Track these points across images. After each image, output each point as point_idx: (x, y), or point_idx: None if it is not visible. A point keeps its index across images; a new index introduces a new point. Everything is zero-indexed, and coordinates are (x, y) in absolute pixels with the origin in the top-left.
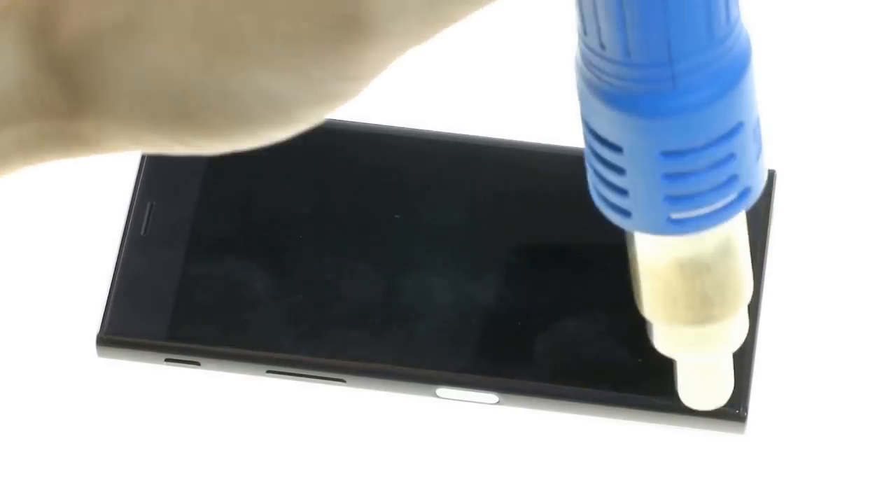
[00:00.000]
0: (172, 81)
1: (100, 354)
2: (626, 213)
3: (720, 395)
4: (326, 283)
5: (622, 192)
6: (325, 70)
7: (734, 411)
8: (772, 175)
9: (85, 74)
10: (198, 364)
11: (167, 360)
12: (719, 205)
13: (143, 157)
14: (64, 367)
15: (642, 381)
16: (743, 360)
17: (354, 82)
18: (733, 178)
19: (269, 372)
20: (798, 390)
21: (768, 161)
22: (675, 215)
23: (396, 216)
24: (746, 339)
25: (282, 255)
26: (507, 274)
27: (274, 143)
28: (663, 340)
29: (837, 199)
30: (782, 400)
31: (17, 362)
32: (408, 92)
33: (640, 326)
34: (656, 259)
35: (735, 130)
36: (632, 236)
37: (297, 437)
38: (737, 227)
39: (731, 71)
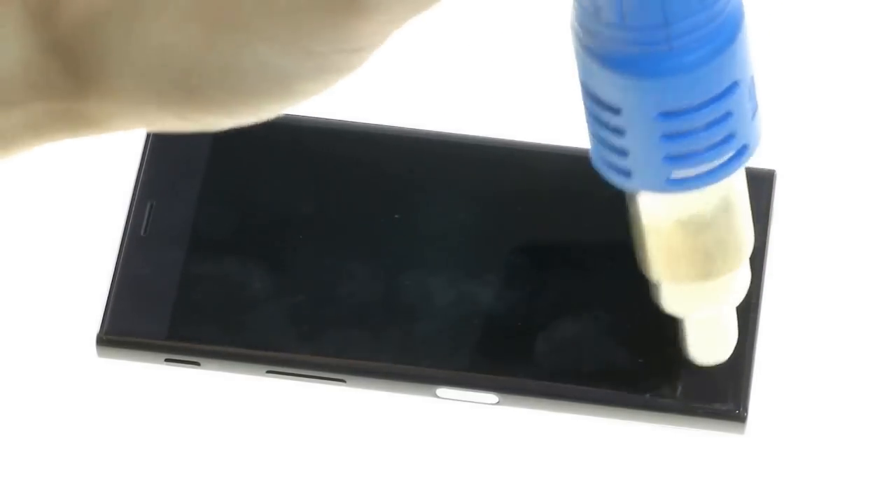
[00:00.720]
0: (175, 58)
1: (100, 354)
2: (626, 174)
3: (725, 348)
4: (326, 282)
5: (622, 153)
6: (324, 42)
7: (734, 411)
8: (771, 175)
9: (88, 55)
10: (198, 364)
11: (167, 360)
12: (718, 162)
13: (143, 157)
14: (64, 367)
15: (642, 382)
16: (743, 360)
17: (354, 54)
18: (730, 136)
19: (269, 372)
20: (798, 391)
21: (767, 161)
22: (675, 174)
23: (396, 216)
24: (747, 339)
25: (282, 255)
26: (507, 274)
27: (277, 115)
28: (668, 298)
29: (837, 198)
30: (782, 400)
31: (17, 362)
32: (408, 92)
33: (640, 326)
34: (658, 219)
35: (731, 89)
36: (633, 197)
37: (297, 437)
38: (736, 184)
39: (724, 31)
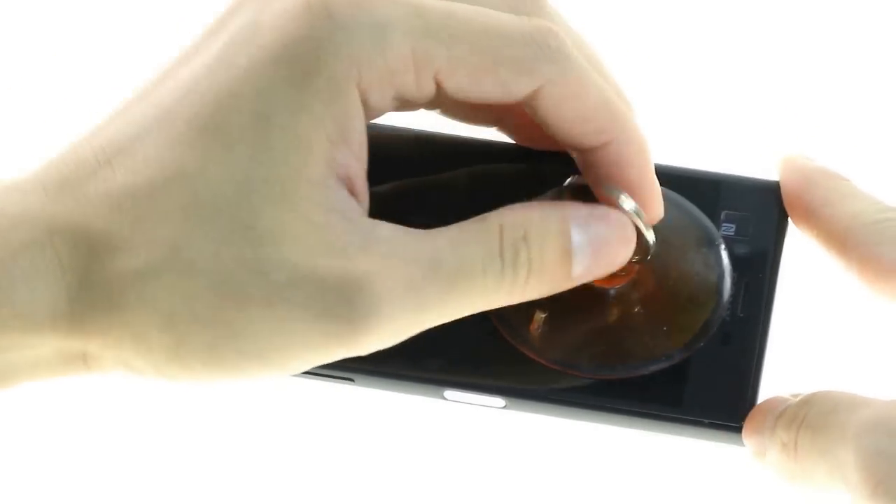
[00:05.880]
0: (182, 325)
1: None
2: None
3: None
4: None
5: None
6: (314, 363)
7: (739, 423)
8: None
9: (115, 314)
10: None
11: None
12: None
13: None
14: None
15: (646, 390)
16: (750, 371)
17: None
18: None
19: None
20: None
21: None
22: None
23: (408, 216)
24: (755, 351)
25: None
26: None
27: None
28: None
29: None
30: None
31: None
32: None
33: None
34: None
35: None
36: None
37: (305, 435)
38: None
39: None
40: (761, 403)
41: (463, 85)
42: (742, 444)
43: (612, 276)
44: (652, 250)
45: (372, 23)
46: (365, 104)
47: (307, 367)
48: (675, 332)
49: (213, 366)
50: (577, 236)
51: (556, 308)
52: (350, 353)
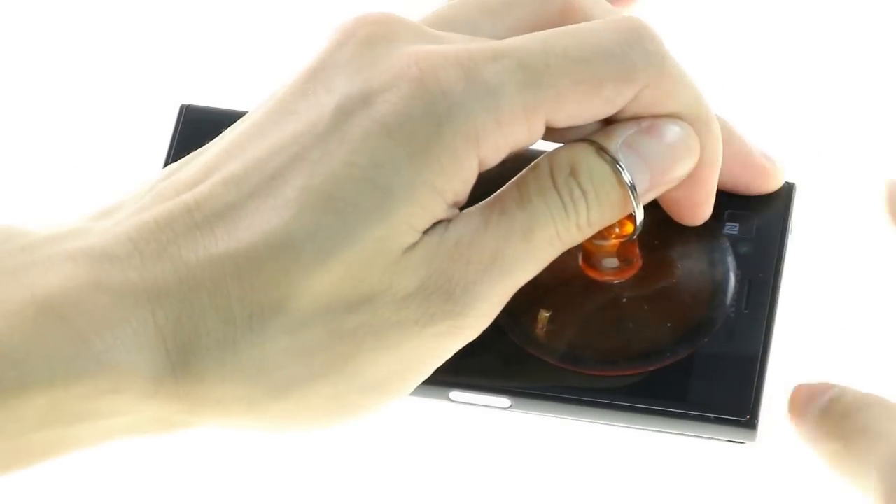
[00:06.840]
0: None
1: None
2: None
3: None
4: None
5: None
6: (429, 369)
7: (744, 419)
8: (791, 187)
9: (210, 389)
10: None
11: None
12: None
13: (171, 149)
14: None
15: (652, 388)
16: (755, 368)
17: None
18: None
19: None
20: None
21: (787, 174)
22: None
23: None
24: (759, 347)
25: None
26: None
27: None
28: None
29: (853, 209)
30: None
31: None
32: None
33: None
34: None
35: None
36: None
37: (310, 439)
38: None
39: None
40: (808, 385)
41: (572, 114)
42: (745, 441)
43: (616, 271)
44: (638, 229)
45: (484, 92)
46: (481, 165)
47: (423, 378)
48: (679, 328)
49: (335, 413)
50: (625, 156)
51: (561, 306)
52: (461, 343)
